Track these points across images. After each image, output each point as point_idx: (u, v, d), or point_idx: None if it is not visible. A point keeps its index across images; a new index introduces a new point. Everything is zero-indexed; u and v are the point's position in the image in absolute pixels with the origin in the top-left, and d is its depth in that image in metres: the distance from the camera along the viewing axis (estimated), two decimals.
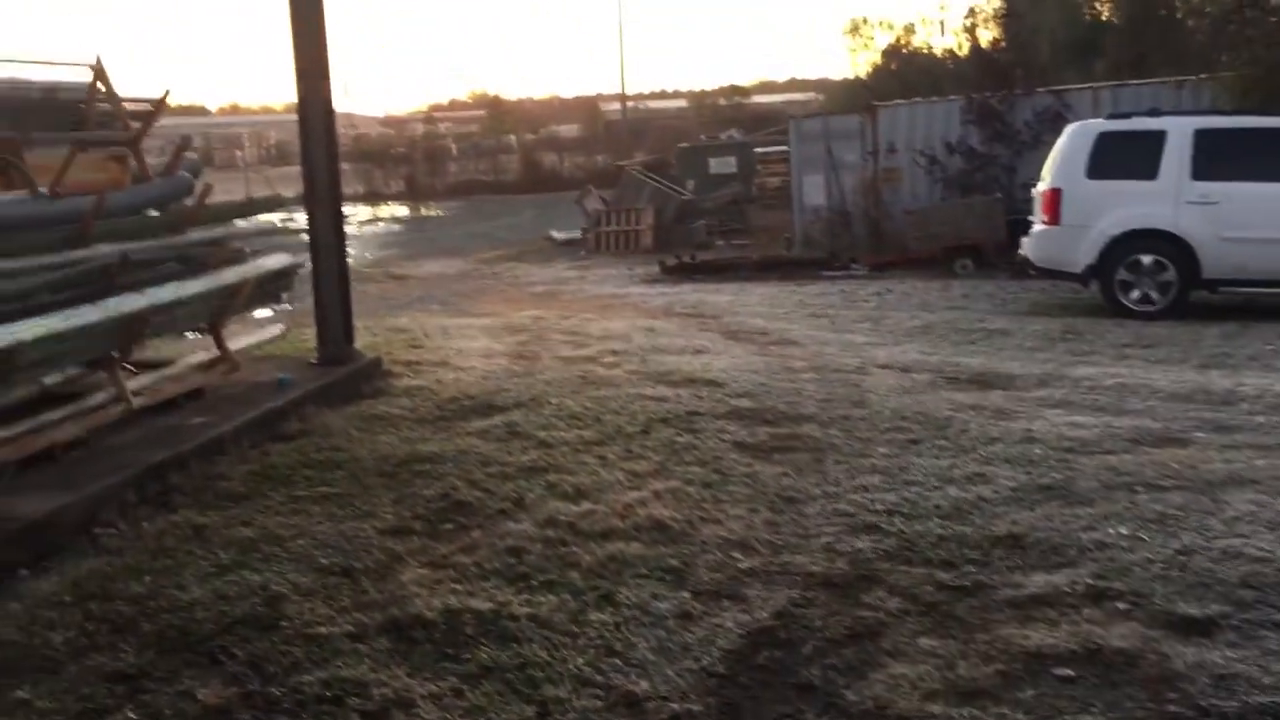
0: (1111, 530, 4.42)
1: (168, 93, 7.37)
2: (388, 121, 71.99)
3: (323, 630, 3.75)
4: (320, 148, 7.86)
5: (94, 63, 7.01)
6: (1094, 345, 9.28)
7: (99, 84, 7.01)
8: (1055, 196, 11.24)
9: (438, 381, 7.92)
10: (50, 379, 6.25)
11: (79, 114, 6.98)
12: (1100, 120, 11.90)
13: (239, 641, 3.70)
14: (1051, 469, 5.31)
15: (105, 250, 6.10)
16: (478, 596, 3.98)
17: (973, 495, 4.94)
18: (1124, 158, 11.01)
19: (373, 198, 41.77)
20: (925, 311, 11.87)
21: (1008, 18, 27.48)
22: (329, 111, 7.94)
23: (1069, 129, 11.76)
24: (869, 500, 4.95)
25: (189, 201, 7.44)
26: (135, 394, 6.41)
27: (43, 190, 6.05)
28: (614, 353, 9.09)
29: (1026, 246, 11.96)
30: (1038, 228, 11.65)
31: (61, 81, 6.92)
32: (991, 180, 17.14)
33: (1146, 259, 10.83)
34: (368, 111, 73.98)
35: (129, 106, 7.23)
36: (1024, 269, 12.65)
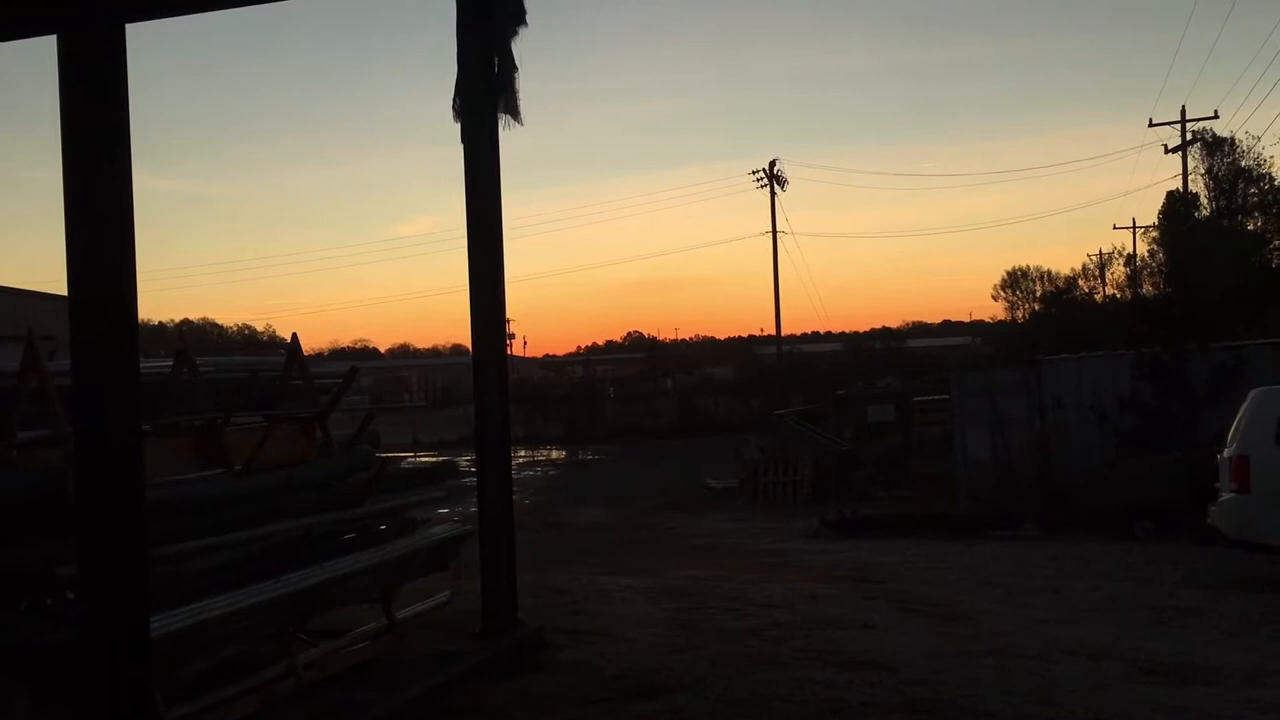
0: None
1: (354, 369, 7.79)
2: (547, 363, 74.76)
3: None
4: (495, 443, 7.99)
5: (290, 342, 7.51)
6: None
7: (294, 362, 7.47)
8: (1244, 464, 10.66)
9: (600, 655, 7.77)
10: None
11: (275, 391, 7.41)
12: None
13: None
14: None
15: (289, 525, 6.32)
16: None
17: None
18: None
19: (532, 441, 42.79)
20: (1107, 581, 11.21)
21: (1172, 272, 27.14)
22: (506, 417, 8.09)
23: (1253, 394, 11.25)
24: None
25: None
26: (306, 667, 6.47)
27: (236, 468, 6.36)
28: (778, 625, 8.81)
29: (1215, 516, 11.26)
30: (1227, 496, 11.01)
31: (262, 360, 7.40)
32: (1168, 437, 16.47)
33: None
34: (528, 352, 77.09)
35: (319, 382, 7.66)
36: (1211, 535, 11.88)
